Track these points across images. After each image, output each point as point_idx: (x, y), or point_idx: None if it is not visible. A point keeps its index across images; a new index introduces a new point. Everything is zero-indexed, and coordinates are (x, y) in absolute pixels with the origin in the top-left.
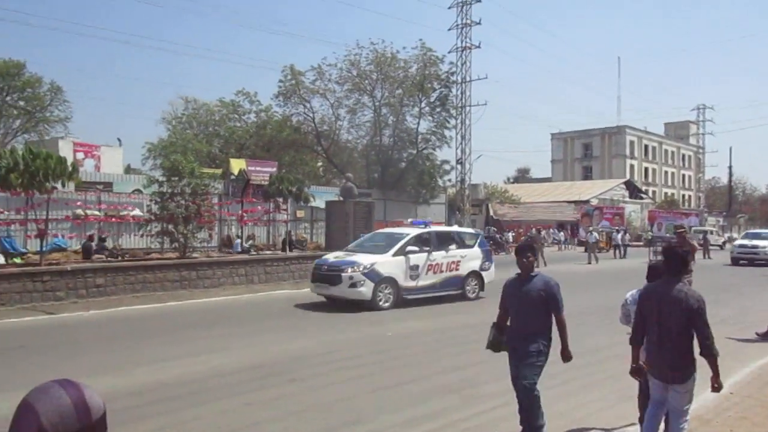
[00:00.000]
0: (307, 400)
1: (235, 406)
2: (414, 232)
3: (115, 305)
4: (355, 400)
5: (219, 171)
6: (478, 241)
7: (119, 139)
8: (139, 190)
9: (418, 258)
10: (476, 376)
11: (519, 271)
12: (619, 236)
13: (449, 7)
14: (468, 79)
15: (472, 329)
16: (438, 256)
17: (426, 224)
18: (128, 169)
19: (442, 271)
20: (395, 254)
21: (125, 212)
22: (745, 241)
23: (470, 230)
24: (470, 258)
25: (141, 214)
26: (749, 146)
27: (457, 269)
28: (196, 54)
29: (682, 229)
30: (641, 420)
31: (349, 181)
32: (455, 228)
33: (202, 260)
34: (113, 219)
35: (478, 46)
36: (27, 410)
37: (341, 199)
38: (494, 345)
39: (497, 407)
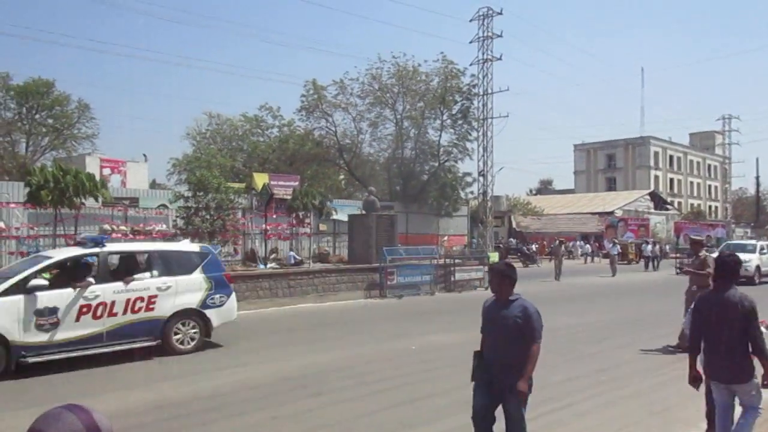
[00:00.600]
0: (331, 414)
1: (262, 419)
2: (62, 255)
3: None
4: (378, 415)
5: (243, 185)
6: (204, 263)
7: (144, 155)
8: (164, 206)
9: (55, 296)
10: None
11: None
12: (649, 248)
13: (470, 20)
14: (490, 91)
15: None
16: (108, 290)
17: (101, 241)
18: (153, 184)
19: (114, 314)
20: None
21: (151, 228)
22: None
23: (187, 247)
24: (180, 290)
25: (166, 229)
26: None
27: (150, 309)
28: (219, 70)
29: (699, 239)
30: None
31: (371, 194)
32: (158, 246)
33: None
34: (139, 235)
35: (500, 59)
36: None
37: (364, 212)
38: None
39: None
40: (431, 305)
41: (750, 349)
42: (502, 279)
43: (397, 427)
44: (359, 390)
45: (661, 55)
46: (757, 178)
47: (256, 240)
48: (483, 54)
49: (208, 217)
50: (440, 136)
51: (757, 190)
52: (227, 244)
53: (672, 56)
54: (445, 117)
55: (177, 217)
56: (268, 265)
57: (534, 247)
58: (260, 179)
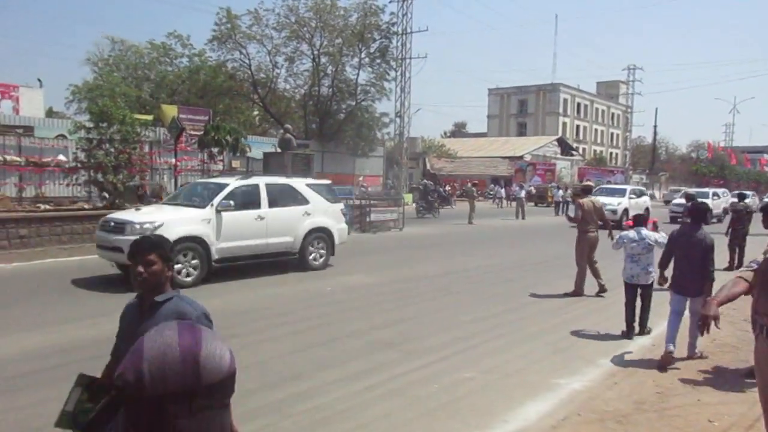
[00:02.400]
0: (245, 356)
1: None
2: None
3: (39, 257)
4: (292, 356)
5: (150, 117)
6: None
7: (40, 80)
8: (63, 136)
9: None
10: (413, 330)
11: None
12: (560, 193)
13: None
14: (409, 30)
15: (412, 282)
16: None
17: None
18: (50, 113)
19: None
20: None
21: (48, 160)
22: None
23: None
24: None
25: (66, 161)
26: (673, 108)
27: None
28: None
29: (588, 185)
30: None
31: (287, 131)
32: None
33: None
34: (35, 167)
35: None
36: (135, 349)
37: (279, 150)
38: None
39: (437, 361)
40: (346, 246)
41: (705, 273)
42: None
43: (311, 369)
44: (274, 331)
45: (574, 2)
46: (655, 127)
47: (164, 176)
48: None
49: (112, 150)
50: (358, 74)
51: (654, 139)
52: (134, 179)
53: (584, 5)
54: (363, 55)
55: (78, 148)
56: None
57: (447, 188)
58: (169, 111)
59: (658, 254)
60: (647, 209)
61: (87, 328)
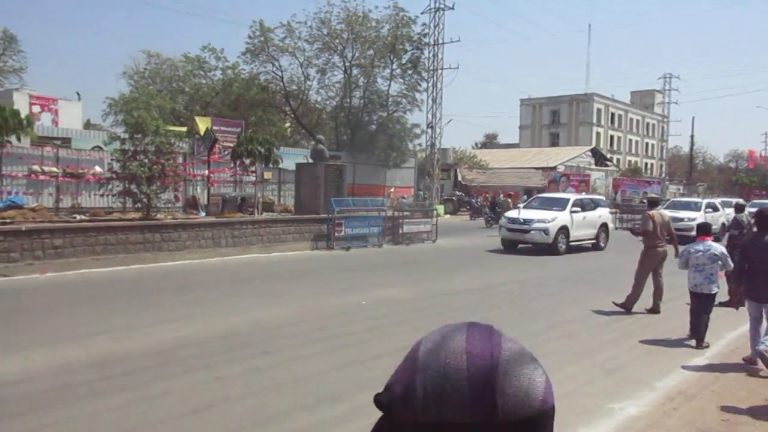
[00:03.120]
0: (281, 374)
1: (206, 380)
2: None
3: (73, 268)
4: (329, 375)
5: (184, 129)
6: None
7: (78, 93)
8: (99, 147)
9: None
10: None
11: None
12: None
13: None
14: (441, 41)
15: (450, 297)
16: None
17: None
18: (88, 125)
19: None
20: None
21: (84, 171)
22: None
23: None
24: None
25: (101, 172)
26: (710, 117)
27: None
28: (159, 5)
29: (655, 197)
30: (696, 336)
31: (320, 143)
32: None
33: (167, 222)
34: (72, 178)
35: (452, 8)
36: (409, 354)
37: (311, 161)
38: None
39: None
40: (380, 258)
41: None
42: None
43: (349, 389)
44: (309, 348)
45: (608, 12)
46: (692, 137)
47: (197, 186)
48: (435, 2)
49: (146, 161)
50: (389, 85)
51: (691, 149)
52: (167, 190)
53: (618, 14)
54: (394, 66)
55: (113, 159)
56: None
57: (479, 200)
58: (203, 123)
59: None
60: (723, 224)
61: (120, 341)
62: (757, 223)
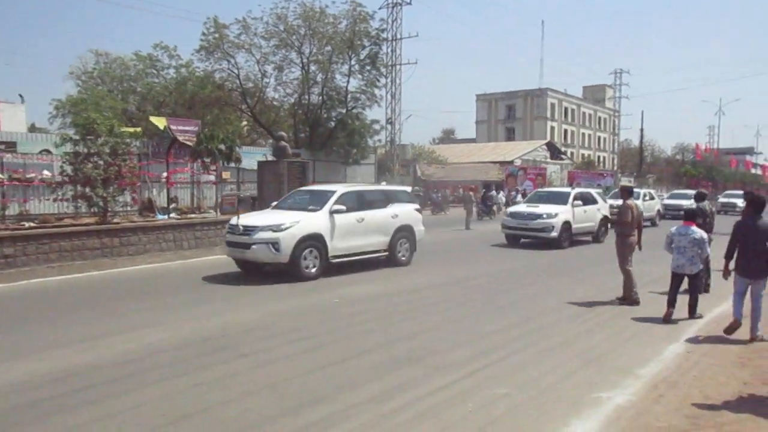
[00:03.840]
0: (260, 378)
1: (181, 388)
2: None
3: (26, 277)
4: (310, 377)
5: (139, 130)
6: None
7: (21, 96)
8: (47, 151)
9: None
10: (432, 343)
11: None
12: None
13: None
14: (399, 36)
15: (422, 292)
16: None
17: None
18: (33, 128)
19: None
20: None
21: (32, 175)
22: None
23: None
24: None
25: (51, 176)
26: (658, 111)
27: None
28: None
29: (628, 185)
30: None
31: (282, 139)
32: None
33: (126, 225)
34: (18, 182)
35: (409, 3)
36: None
37: (274, 158)
38: None
39: (465, 377)
40: None
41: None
42: None
43: (331, 390)
44: (286, 349)
45: (561, 8)
46: (642, 130)
47: (153, 188)
48: None
49: (101, 163)
50: (348, 81)
51: (641, 142)
52: (124, 192)
53: (571, 10)
54: (353, 62)
55: (64, 162)
56: (171, 215)
57: (440, 195)
58: (159, 123)
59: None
60: (658, 211)
61: (84, 353)
62: (747, 206)
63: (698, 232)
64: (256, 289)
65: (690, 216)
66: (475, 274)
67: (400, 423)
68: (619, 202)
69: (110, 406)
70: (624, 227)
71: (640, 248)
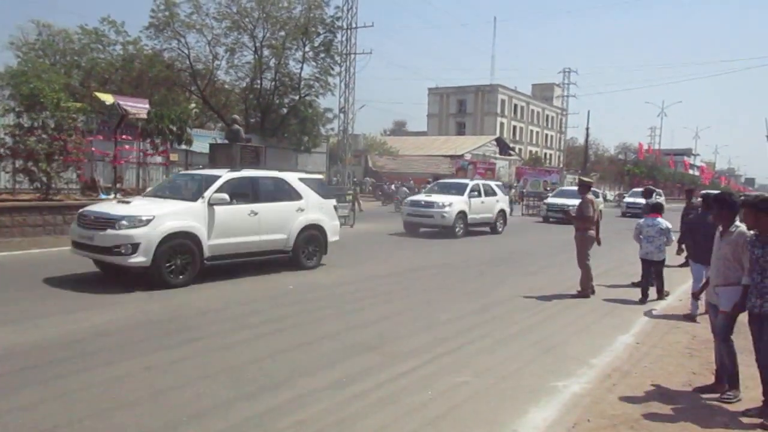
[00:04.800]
0: (215, 362)
1: (133, 370)
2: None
3: None
4: (267, 361)
5: (84, 105)
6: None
7: None
8: None
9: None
10: (390, 331)
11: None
12: (511, 192)
13: None
14: (354, 25)
15: (375, 281)
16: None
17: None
18: None
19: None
20: None
21: None
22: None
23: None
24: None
25: None
26: (603, 110)
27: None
28: None
29: (588, 181)
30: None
31: (235, 122)
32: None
33: (70, 203)
34: None
35: None
36: None
37: (227, 141)
38: None
39: (423, 364)
40: None
41: None
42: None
43: (289, 376)
44: (241, 334)
45: (513, 6)
46: (587, 129)
47: (97, 167)
48: None
49: (45, 137)
50: (302, 68)
51: (586, 141)
52: (68, 169)
53: (523, 9)
54: (307, 49)
55: (5, 135)
56: (112, 195)
57: (393, 186)
58: (105, 99)
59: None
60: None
61: (26, 332)
62: (702, 204)
63: (664, 223)
64: (210, 269)
65: (655, 209)
66: (421, 265)
67: (359, 409)
68: (571, 201)
69: (58, 386)
70: (584, 222)
71: (599, 243)
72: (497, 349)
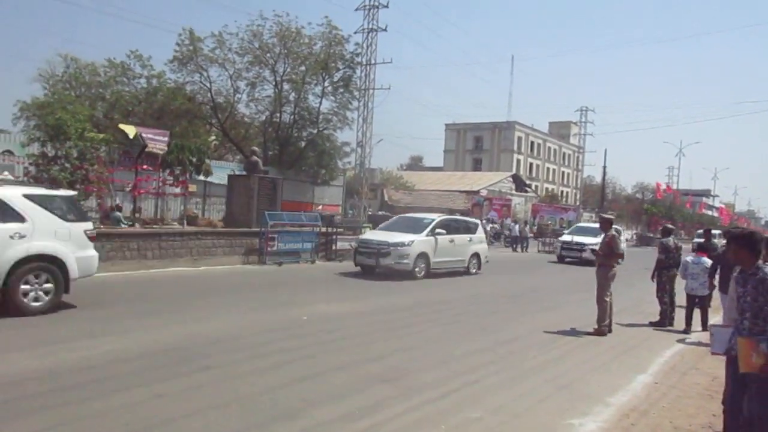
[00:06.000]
0: (225, 392)
1: (144, 398)
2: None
3: None
4: (278, 392)
5: (108, 136)
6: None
7: None
8: (9, 152)
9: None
10: (405, 364)
11: None
12: (517, 227)
13: None
14: (373, 61)
15: (389, 314)
16: None
17: None
18: None
19: None
20: None
21: None
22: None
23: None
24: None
25: (12, 178)
26: (621, 149)
27: None
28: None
29: (608, 217)
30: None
31: (254, 154)
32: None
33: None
34: None
35: (385, 30)
36: None
37: (245, 173)
38: None
39: (438, 398)
40: (314, 273)
41: None
42: None
43: (302, 406)
44: (253, 363)
45: (531, 44)
46: (604, 167)
47: (117, 197)
48: (368, 23)
49: (68, 166)
50: (320, 102)
51: (603, 179)
52: (90, 197)
53: (540, 47)
54: (326, 83)
55: (30, 164)
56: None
57: None
58: (129, 130)
59: None
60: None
61: (42, 358)
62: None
63: (709, 262)
64: (223, 301)
65: (702, 248)
66: (431, 300)
67: None
68: (588, 240)
69: (68, 412)
70: (607, 258)
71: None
72: (511, 386)
